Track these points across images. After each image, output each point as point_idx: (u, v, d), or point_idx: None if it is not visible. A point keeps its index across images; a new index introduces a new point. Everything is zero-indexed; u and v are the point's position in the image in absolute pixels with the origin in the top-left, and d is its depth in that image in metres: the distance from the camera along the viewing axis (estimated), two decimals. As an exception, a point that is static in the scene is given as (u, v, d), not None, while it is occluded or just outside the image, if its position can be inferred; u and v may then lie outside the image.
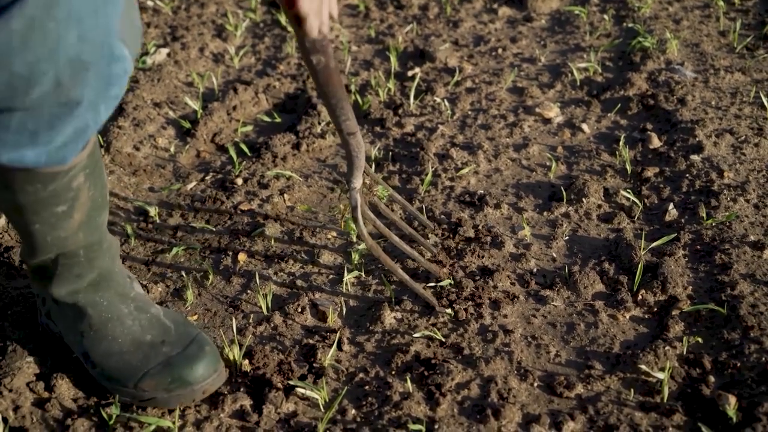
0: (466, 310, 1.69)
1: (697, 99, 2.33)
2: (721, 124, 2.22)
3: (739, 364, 1.52)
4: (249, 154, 2.23)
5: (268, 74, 2.61)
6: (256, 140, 2.31)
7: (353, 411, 1.49)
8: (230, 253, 1.88)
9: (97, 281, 1.49)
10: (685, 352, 1.56)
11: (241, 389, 1.54)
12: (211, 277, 1.81)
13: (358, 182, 1.56)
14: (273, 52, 2.77)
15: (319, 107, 2.38)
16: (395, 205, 1.98)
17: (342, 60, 2.69)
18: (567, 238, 1.89)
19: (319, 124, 2.31)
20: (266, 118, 2.40)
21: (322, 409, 1.49)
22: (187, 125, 2.35)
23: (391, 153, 2.21)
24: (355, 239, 1.87)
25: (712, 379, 1.50)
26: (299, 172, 2.15)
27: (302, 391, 1.51)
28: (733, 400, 1.42)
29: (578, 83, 2.47)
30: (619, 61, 2.59)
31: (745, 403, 1.43)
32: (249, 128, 2.35)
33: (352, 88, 2.51)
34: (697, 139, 2.15)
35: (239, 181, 2.11)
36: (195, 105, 2.37)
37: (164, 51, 2.70)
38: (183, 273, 1.83)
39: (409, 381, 1.52)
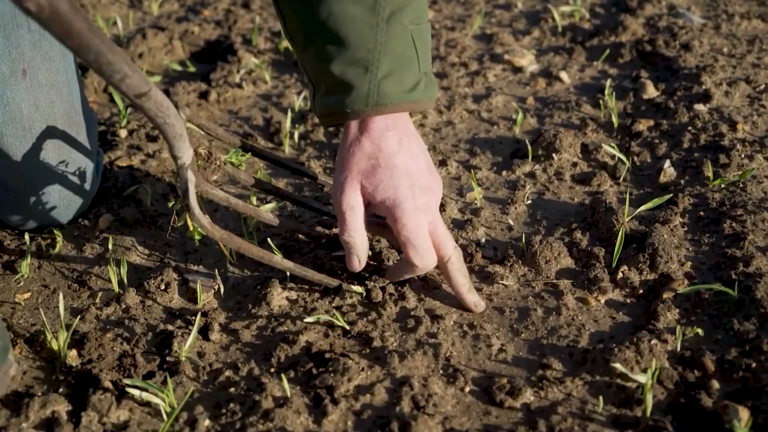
0: (383, 288, 1.26)
1: (706, 45, 1.89)
2: (734, 72, 1.77)
3: (754, 365, 1.07)
4: (144, 104, 1.79)
5: (189, 20, 2.18)
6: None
7: (206, 422, 1.06)
8: (90, 216, 1.44)
9: None
10: (678, 348, 1.13)
11: (60, 389, 1.11)
12: (58, 245, 1.37)
13: (185, 155, 1.10)
14: (201, -3, 2.35)
15: (240, 53, 1.95)
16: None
17: None
18: (530, 202, 1.46)
19: (238, 72, 1.88)
20: (178, 68, 1.97)
21: (166, 419, 1.05)
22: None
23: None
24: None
25: (716, 384, 1.06)
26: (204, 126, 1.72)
27: (140, 393, 1.07)
28: (744, 413, 0.98)
29: (560, 30, 2.02)
30: (611, 8, 2.15)
31: (762, 418, 0.98)
32: (156, 79, 1.93)
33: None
34: (703, 87, 1.70)
35: (123, 133, 1.68)
36: (89, 49, 1.94)
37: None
38: (26, 240, 1.39)
39: (286, 382, 1.07)
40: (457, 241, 1.37)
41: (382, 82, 1.13)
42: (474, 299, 1.22)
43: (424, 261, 1.18)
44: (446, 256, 1.19)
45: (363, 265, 1.22)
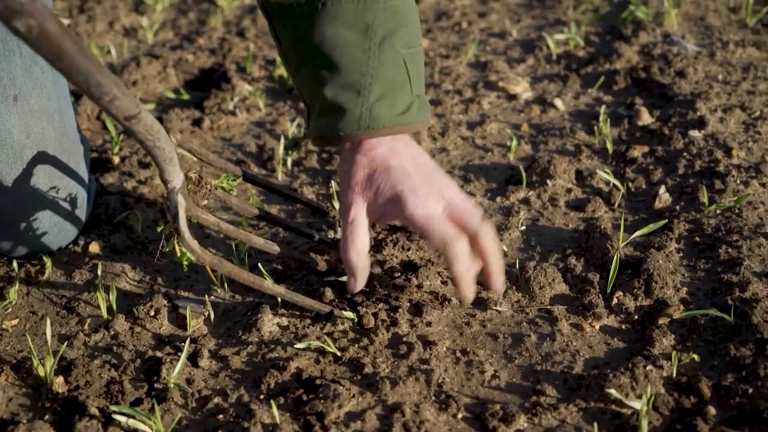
0: (375, 315, 1.24)
1: (700, 73, 1.88)
2: (729, 99, 1.76)
3: (750, 391, 1.05)
4: (137, 131, 1.79)
5: (183, 48, 2.18)
6: (152, 117, 1.88)
7: (194, 450, 1.03)
8: (81, 243, 1.43)
9: None
10: (674, 374, 1.11)
11: (46, 416, 1.09)
12: (47, 271, 1.36)
13: (175, 179, 1.10)
14: (196, 26, 2.35)
15: (234, 80, 1.95)
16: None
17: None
18: (524, 228, 1.44)
19: (232, 99, 1.88)
20: (172, 95, 1.96)
21: (152, 447, 1.03)
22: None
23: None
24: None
25: (712, 411, 1.04)
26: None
27: (127, 420, 1.05)
28: (741, 440, 0.95)
29: (555, 57, 2.02)
30: (606, 36, 2.15)
31: (759, 444, 0.96)
32: (150, 106, 1.92)
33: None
34: (698, 113, 1.70)
35: (116, 159, 1.67)
36: (83, 76, 1.94)
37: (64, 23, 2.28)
38: (14, 266, 1.38)
39: (275, 408, 1.05)
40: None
41: (374, 106, 1.12)
42: (502, 279, 1.16)
43: (446, 240, 1.09)
44: (473, 229, 1.11)
45: (362, 286, 1.20)
